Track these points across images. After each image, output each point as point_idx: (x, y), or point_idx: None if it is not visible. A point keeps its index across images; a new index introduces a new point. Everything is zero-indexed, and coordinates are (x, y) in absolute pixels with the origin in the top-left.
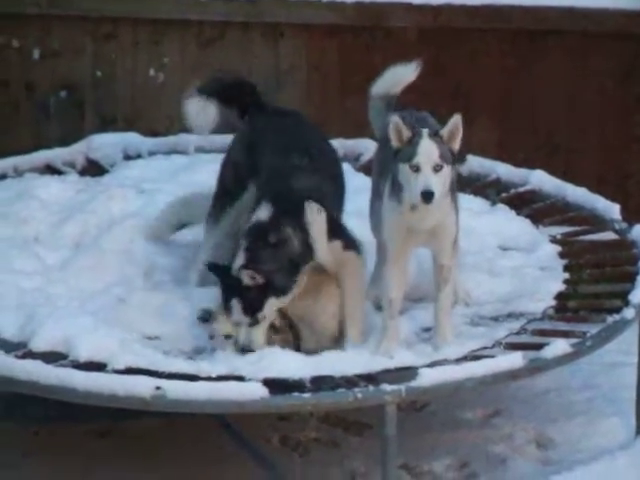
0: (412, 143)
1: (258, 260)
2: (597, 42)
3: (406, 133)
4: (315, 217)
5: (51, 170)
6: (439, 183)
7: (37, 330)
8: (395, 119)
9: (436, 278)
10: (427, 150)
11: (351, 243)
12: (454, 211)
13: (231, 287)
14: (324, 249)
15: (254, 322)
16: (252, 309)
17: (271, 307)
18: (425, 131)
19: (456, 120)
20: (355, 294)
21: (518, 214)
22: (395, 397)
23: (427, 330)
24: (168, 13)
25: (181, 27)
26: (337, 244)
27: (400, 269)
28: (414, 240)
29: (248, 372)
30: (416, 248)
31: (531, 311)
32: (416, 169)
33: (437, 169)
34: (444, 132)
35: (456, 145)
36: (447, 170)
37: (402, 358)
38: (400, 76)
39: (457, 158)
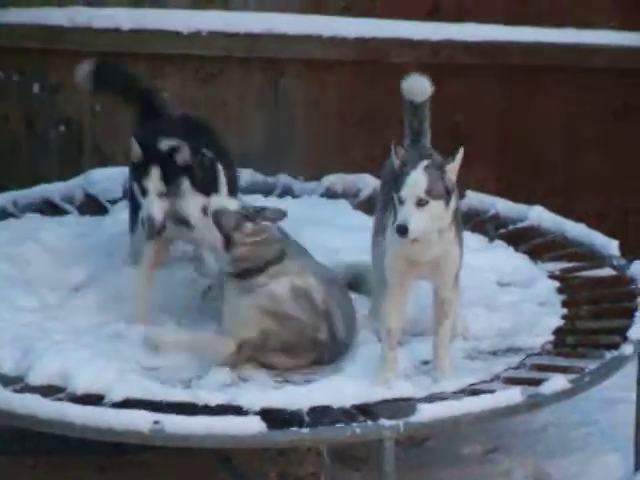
0: (404, 174)
1: None
2: (594, 78)
3: (397, 162)
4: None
5: (50, 206)
6: (422, 218)
7: (34, 364)
8: (397, 147)
9: (436, 311)
10: (414, 183)
11: None
12: (458, 244)
13: None
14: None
15: None
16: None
17: None
18: (422, 163)
19: (461, 156)
20: None
21: (516, 250)
22: (393, 432)
23: (426, 363)
24: (167, 48)
25: (180, 61)
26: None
27: (399, 300)
28: (415, 272)
29: (246, 401)
30: (416, 281)
31: (529, 346)
32: (400, 201)
33: (421, 204)
34: (450, 167)
35: (453, 180)
36: (437, 205)
37: (400, 389)
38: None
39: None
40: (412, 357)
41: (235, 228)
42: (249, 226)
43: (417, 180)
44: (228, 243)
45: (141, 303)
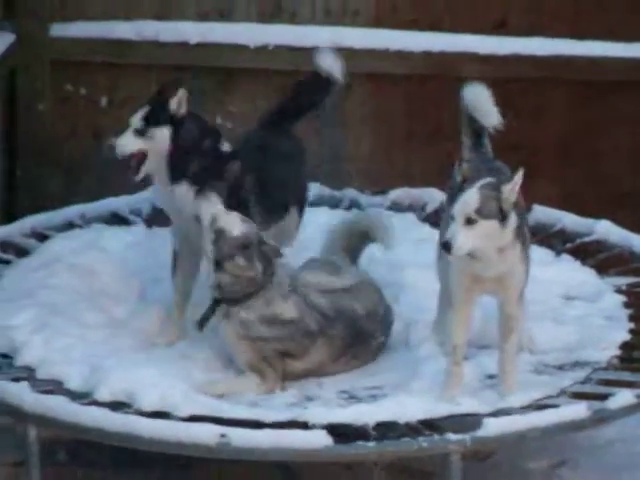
0: (461, 191)
1: None
2: None
3: (459, 179)
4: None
5: (117, 218)
6: (470, 236)
7: (101, 381)
8: (461, 163)
9: (501, 327)
10: (465, 201)
11: None
12: (523, 262)
13: None
14: None
15: None
16: None
17: None
18: (480, 182)
19: (519, 177)
20: None
21: (583, 264)
22: (460, 446)
23: (491, 377)
24: (234, 61)
25: (249, 75)
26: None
27: (465, 315)
28: (480, 287)
29: (312, 418)
30: (482, 295)
31: (596, 360)
32: (451, 218)
33: (470, 222)
34: (506, 188)
35: (511, 201)
36: (488, 225)
37: (466, 405)
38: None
39: (514, 211)
40: (478, 371)
41: (229, 256)
42: (241, 261)
43: (469, 199)
44: (217, 265)
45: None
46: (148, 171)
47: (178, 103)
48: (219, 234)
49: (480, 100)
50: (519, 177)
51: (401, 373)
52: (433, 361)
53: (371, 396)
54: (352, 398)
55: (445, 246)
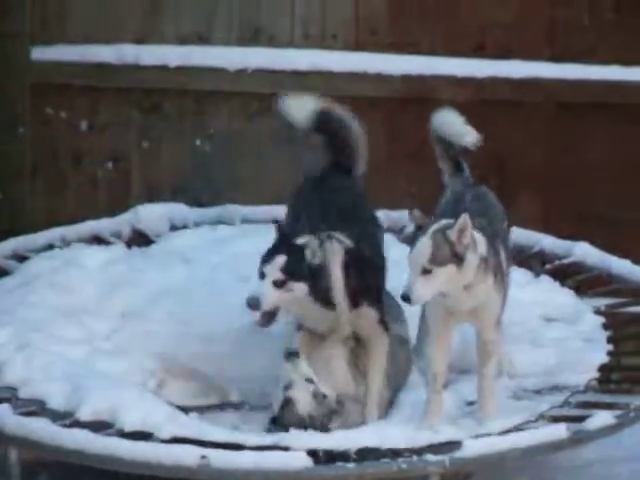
0: (415, 239)
1: None
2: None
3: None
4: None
5: (98, 240)
6: (427, 285)
7: (84, 400)
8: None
9: (479, 353)
10: (418, 251)
11: (384, 320)
12: (497, 291)
13: None
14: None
15: None
16: None
17: None
18: (430, 230)
19: (463, 220)
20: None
21: (562, 285)
22: (439, 467)
23: (471, 404)
24: (214, 84)
25: (227, 98)
26: (371, 312)
27: (443, 345)
28: (455, 318)
29: (293, 443)
30: (459, 324)
31: (574, 384)
32: (409, 267)
33: (426, 272)
34: (452, 233)
35: (464, 243)
36: (444, 271)
37: (446, 433)
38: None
39: (470, 251)
40: (457, 398)
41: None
42: None
43: (421, 248)
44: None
45: None
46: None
47: (312, 253)
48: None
49: (451, 122)
50: (462, 221)
51: None
52: (412, 390)
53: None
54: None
55: (403, 298)
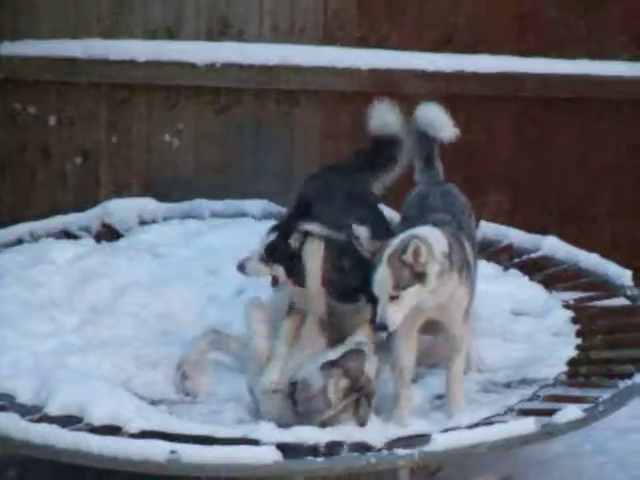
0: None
1: None
2: (609, 108)
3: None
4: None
5: (67, 235)
6: (398, 308)
7: (52, 395)
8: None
9: (448, 347)
10: (380, 282)
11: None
12: (463, 286)
13: None
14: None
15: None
16: None
17: None
18: (385, 257)
19: (414, 245)
20: None
21: (531, 279)
22: (408, 461)
23: (439, 397)
24: (183, 79)
25: (196, 93)
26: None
27: (410, 340)
28: (422, 315)
29: (262, 436)
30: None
31: (543, 377)
32: (376, 297)
33: (393, 298)
34: (406, 258)
35: (421, 262)
36: (410, 291)
37: (415, 426)
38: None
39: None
40: (426, 392)
41: None
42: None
43: (382, 278)
44: None
45: None
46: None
47: (295, 240)
48: None
49: (434, 115)
50: (413, 247)
51: None
52: (381, 384)
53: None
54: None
55: (380, 328)
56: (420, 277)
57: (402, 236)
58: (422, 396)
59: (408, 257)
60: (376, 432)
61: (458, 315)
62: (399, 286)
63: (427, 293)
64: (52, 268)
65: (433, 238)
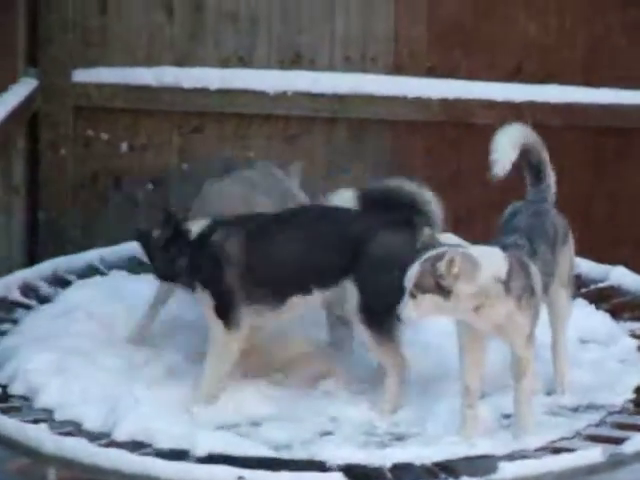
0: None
1: None
2: None
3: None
4: None
5: (137, 262)
6: (414, 307)
7: (119, 420)
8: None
9: (513, 369)
10: (408, 275)
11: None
12: (524, 312)
13: None
14: None
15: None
16: None
17: None
18: (425, 256)
19: (452, 257)
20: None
21: (597, 309)
22: None
23: (507, 417)
24: (254, 107)
25: (267, 121)
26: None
27: (475, 358)
28: (481, 333)
29: (328, 457)
30: (491, 338)
31: (610, 403)
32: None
33: (412, 296)
34: (441, 265)
35: (452, 274)
36: (429, 298)
37: (481, 446)
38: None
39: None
40: (493, 411)
41: None
42: None
43: (410, 273)
44: None
45: None
46: None
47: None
48: None
49: (500, 141)
50: (449, 257)
51: (417, 412)
52: (451, 400)
53: (388, 433)
54: (368, 436)
55: (398, 317)
56: (442, 289)
57: (453, 247)
58: (490, 415)
59: (439, 266)
60: (442, 452)
61: (519, 338)
62: (419, 288)
63: (472, 309)
64: (123, 305)
65: (488, 260)
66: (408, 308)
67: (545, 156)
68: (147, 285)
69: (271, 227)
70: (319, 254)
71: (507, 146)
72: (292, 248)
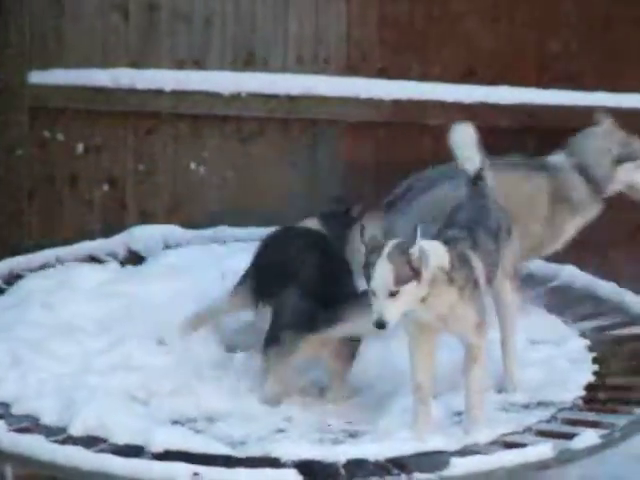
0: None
1: None
2: None
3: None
4: None
5: (93, 260)
6: (396, 306)
7: (75, 415)
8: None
9: (465, 357)
10: (381, 276)
11: None
12: (467, 302)
13: None
14: None
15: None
16: None
17: None
18: (386, 250)
19: (420, 247)
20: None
21: (547, 309)
22: None
23: (459, 414)
24: (209, 108)
25: (221, 122)
26: None
27: (424, 354)
28: (429, 327)
29: (283, 454)
30: (439, 334)
31: (561, 400)
32: (373, 294)
33: (392, 294)
34: (414, 251)
35: (417, 262)
36: (409, 288)
37: (433, 442)
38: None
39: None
40: (445, 408)
41: None
42: None
43: (384, 272)
44: None
45: None
46: None
47: None
48: None
49: (463, 143)
50: (413, 246)
51: (370, 410)
52: (404, 398)
53: (341, 431)
54: (322, 433)
55: (379, 325)
56: (416, 274)
57: (402, 240)
58: (442, 412)
59: (413, 252)
60: (395, 448)
61: (465, 328)
62: (399, 281)
63: (420, 299)
64: (77, 292)
65: (433, 252)
66: (390, 309)
67: (484, 155)
68: (101, 273)
69: None
70: None
71: (468, 143)
72: None
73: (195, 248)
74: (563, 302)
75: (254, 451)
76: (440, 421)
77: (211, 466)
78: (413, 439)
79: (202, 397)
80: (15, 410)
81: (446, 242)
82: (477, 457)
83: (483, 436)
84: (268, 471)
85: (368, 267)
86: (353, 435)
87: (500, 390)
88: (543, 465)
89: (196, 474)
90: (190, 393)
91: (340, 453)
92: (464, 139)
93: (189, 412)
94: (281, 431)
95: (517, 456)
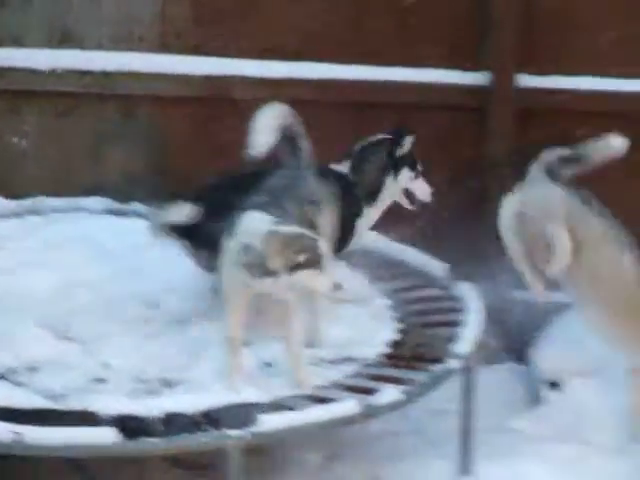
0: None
1: None
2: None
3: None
4: None
5: None
6: None
7: None
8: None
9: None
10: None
11: None
12: None
13: None
14: None
15: None
16: None
17: None
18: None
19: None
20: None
21: (353, 271)
22: (239, 442)
23: (269, 365)
24: (26, 84)
25: (39, 97)
26: None
27: (239, 308)
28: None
29: (102, 408)
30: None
31: (365, 356)
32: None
33: None
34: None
35: None
36: None
37: (245, 394)
38: None
39: None
40: (257, 359)
41: None
42: None
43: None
44: None
45: None
46: None
47: None
48: None
49: (259, 122)
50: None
51: (186, 358)
52: (216, 347)
53: (158, 379)
54: (139, 382)
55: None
56: None
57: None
58: (254, 363)
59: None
60: (210, 401)
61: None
62: None
63: None
64: None
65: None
66: None
67: (300, 129)
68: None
69: None
70: None
71: (266, 127)
72: None
73: (12, 220)
74: (367, 264)
75: (73, 405)
76: (251, 372)
77: (30, 423)
78: (226, 390)
79: (23, 346)
80: None
81: (250, 208)
82: (287, 414)
83: (292, 390)
84: (87, 430)
85: None
86: (169, 384)
87: (308, 346)
88: (349, 420)
89: (17, 434)
90: (11, 342)
91: (155, 407)
92: (263, 122)
93: (10, 362)
94: (100, 381)
95: (325, 412)
